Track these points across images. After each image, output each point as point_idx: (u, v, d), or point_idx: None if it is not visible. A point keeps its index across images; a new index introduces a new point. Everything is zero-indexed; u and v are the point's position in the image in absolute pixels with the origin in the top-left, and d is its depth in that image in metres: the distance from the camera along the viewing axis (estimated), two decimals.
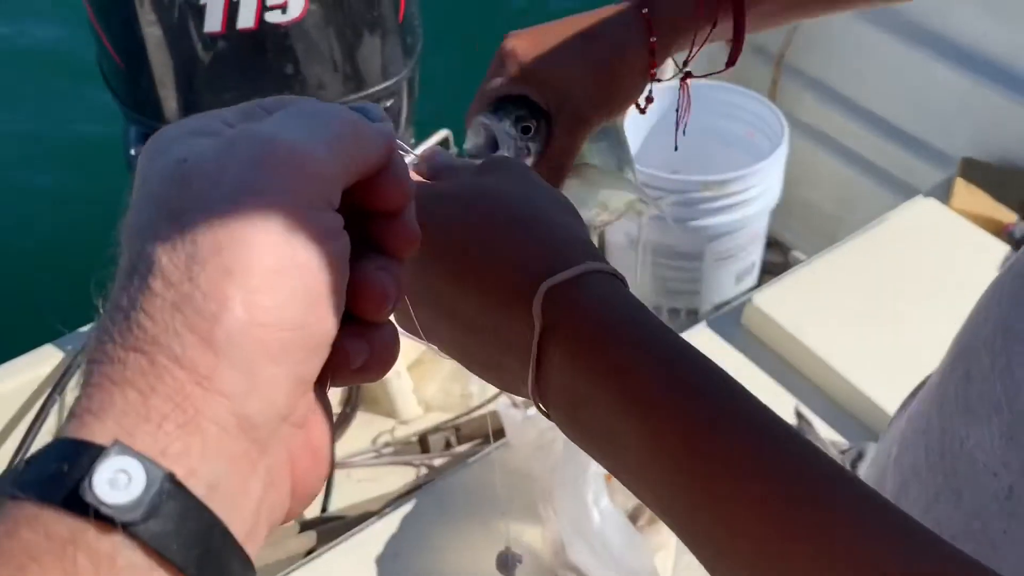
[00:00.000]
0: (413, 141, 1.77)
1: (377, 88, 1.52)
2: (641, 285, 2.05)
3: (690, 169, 2.01)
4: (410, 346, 0.43)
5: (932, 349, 1.47)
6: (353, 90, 1.50)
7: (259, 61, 1.38)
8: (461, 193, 0.47)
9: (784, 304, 1.58)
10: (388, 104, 1.58)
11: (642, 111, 0.69)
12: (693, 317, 2.07)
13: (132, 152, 1.46)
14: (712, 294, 2.02)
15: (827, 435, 1.46)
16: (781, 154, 1.85)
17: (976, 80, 1.93)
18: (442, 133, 1.80)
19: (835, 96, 2.19)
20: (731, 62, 0.68)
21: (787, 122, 1.95)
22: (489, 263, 0.44)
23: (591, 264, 0.43)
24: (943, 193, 1.88)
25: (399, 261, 0.36)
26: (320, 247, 0.30)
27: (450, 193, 0.47)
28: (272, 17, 1.35)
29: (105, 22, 1.43)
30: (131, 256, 0.29)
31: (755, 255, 2.03)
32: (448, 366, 1.98)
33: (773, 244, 2.30)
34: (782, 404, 1.50)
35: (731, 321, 1.63)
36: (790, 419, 1.47)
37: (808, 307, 1.57)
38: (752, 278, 2.08)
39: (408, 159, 0.44)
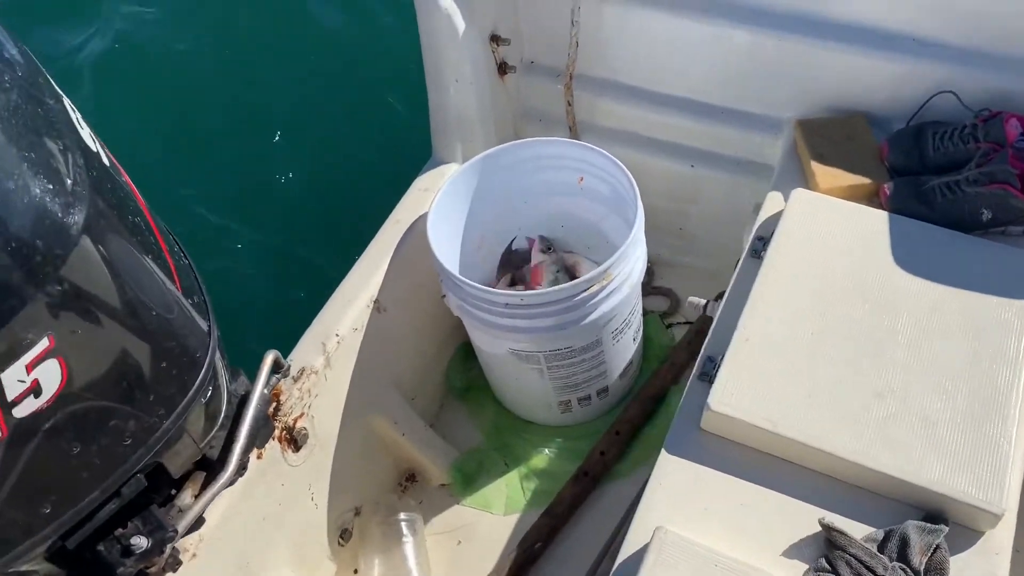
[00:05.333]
0: (236, 380, 1.36)
1: (194, 390, 1.11)
2: (544, 394, 1.79)
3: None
4: None
5: (901, 363, 1.35)
6: (170, 406, 1.07)
7: (32, 462, 0.93)
8: None
9: (739, 395, 1.37)
10: (209, 393, 1.17)
11: None
12: (604, 394, 1.85)
13: None
14: (616, 367, 1.80)
15: (860, 531, 1.30)
16: (641, 211, 1.61)
17: (779, 36, 1.77)
18: (271, 355, 1.41)
19: (637, 93, 1.96)
20: None
21: (606, 150, 1.72)
22: None
23: None
24: (793, 172, 1.75)
25: None
26: None
27: None
28: (23, 410, 0.90)
29: None
30: None
31: (639, 306, 1.81)
32: None
33: None
34: (796, 513, 1.32)
35: (690, 431, 1.41)
36: (815, 531, 1.29)
37: (763, 384, 1.38)
38: (640, 327, 1.87)
39: None
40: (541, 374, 1.71)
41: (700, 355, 1.51)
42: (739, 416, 1.36)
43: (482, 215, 1.81)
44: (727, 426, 1.38)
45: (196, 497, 1.29)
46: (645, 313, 1.98)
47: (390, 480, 1.83)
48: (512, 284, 1.92)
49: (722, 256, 2.03)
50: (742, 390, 1.38)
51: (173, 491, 1.28)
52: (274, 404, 1.51)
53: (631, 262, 1.60)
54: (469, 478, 1.83)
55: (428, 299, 1.80)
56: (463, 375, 1.97)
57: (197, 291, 1.19)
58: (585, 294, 1.52)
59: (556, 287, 1.50)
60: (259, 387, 1.35)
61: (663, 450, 1.41)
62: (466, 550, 1.75)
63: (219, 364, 1.24)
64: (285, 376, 1.47)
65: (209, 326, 1.18)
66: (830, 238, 1.57)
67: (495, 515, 1.79)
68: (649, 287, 2.11)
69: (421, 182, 1.87)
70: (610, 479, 1.80)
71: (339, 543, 1.70)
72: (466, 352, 1.96)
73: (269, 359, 1.40)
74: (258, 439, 1.38)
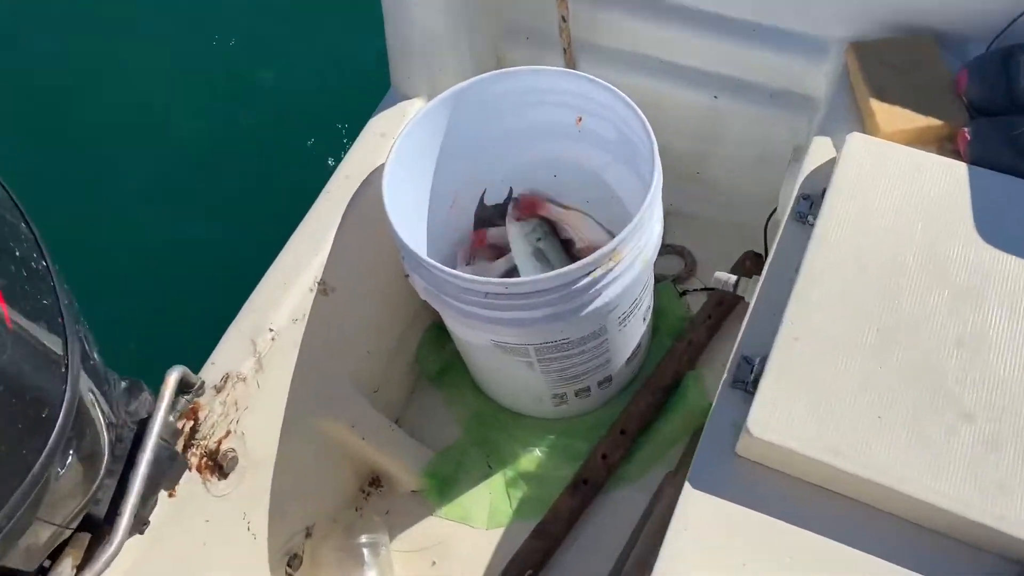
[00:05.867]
0: (137, 399, 1.04)
1: (39, 466, 0.78)
2: (535, 386, 1.47)
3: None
4: None
5: (995, 371, 1.05)
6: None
7: None
8: None
9: (787, 415, 1.07)
10: (70, 457, 0.85)
11: None
12: (606, 384, 1.53)
13: None
14: (622, 355, 1.48)
15: None
16: (659, 170, 1.25)
17: None
18: (176, 373, 1.07)
19: (648, 4, 1.58)
20: None
21: (608, 79, 1.36)
22: None
23: None
24: (844, 109, 1.40)
25: None
26: None
27: None
28: None
29: None
30: None
31: (651, 284, 1.48)
32: None
33: None
34: (861, 568, 1.03)
35: (722, 458, 1.11)
36: None
37: (818, 400, 1.07)
38: (651, 303, 1.54)
39: None
40: (531, 366, 1.39)
41: (733, 354, 1.19)
42: (788, 445, 1.05)
43: (455, 165, 1.46)
44: (772, 454, 1.08)
45: (78, 569, 0.98)
46: (656, 280, 1.64)
47: (349, 490, 1.53)
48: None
49: (749, 208, 1.70)
50: (791, 408, 1.08)
51: (47, 563, 0.97)
52: (190, 424, 1.18)
53: (645, 233, 1.26)
54: (445, 483, 1.52)
55: (390, 269, 1.46)
56: (436, 355, 1.65)
57: (49, 307, 0.85)
58: (587, 279, 1.19)
59: (552, 273, 1.16)
60: (159, 418, 1.02)
61: (687, 484, 1.11)
62: (441, 572, 1.46)
63: (91, 398, 0.91)
64: (199, 395, 1.14)
65: (67, 350, 0.84)
66: (898, 200, 1.24)
67: (476, 529, 1.49)
68: (661, 244, 1.77)
69: (376, 124, 1.51)
70: (615, 485, 1.51)
71: (286, 573, 1.41)
72: (440, 328, 1.63)
73: (172, 379, 1.06)
74: (164, 482, 1.06)
